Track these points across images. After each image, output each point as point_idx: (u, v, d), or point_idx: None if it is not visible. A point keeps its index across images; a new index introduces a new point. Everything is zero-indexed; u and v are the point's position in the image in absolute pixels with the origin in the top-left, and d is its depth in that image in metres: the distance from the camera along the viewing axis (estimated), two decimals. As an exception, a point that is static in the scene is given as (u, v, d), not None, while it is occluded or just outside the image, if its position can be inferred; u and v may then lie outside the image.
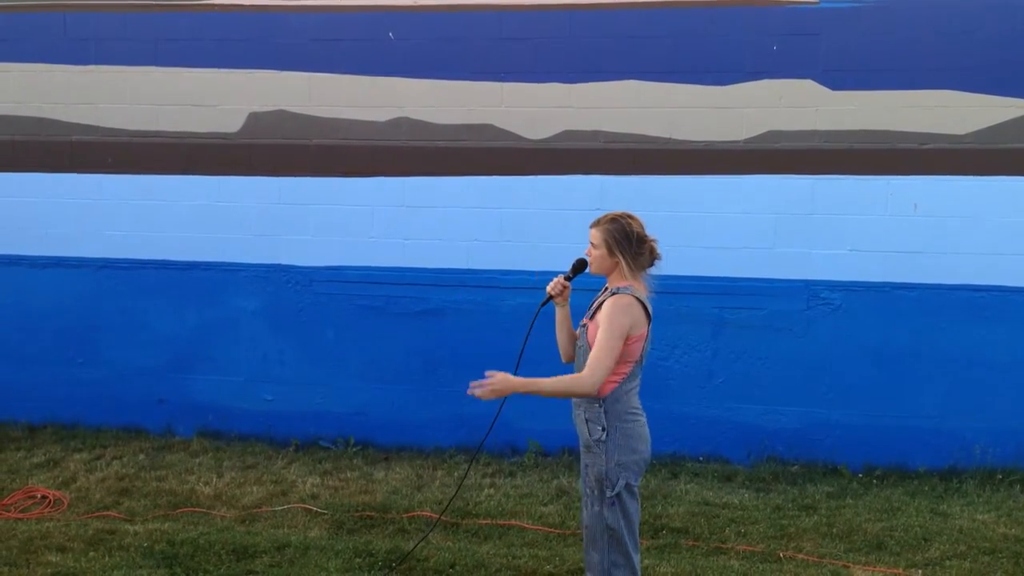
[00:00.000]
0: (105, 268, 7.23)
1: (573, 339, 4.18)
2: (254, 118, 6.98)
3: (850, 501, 6.00)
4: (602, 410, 3.96)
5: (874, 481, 6.34)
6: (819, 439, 6.57)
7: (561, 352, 4.23)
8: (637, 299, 3.96)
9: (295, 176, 6.97)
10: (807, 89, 6.40)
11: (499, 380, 3.88)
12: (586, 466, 4.02)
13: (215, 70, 6.99)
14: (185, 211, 7.11)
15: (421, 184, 6.83)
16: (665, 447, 6.66)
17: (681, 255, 6.52)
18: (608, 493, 3.96)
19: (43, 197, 7.23)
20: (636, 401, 4.04)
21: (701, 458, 6.67)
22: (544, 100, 6.65)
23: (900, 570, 5.05)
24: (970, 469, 6.37)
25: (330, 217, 6.95)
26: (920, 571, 5.04)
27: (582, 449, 4.07)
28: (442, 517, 5.54)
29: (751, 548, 5.29)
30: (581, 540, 4.47)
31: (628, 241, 3.99)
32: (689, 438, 6.67)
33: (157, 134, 7.10)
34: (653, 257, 4.06)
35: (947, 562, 5.12)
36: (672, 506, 5.88)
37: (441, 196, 6.81)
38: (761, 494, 6.13)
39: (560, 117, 6.65)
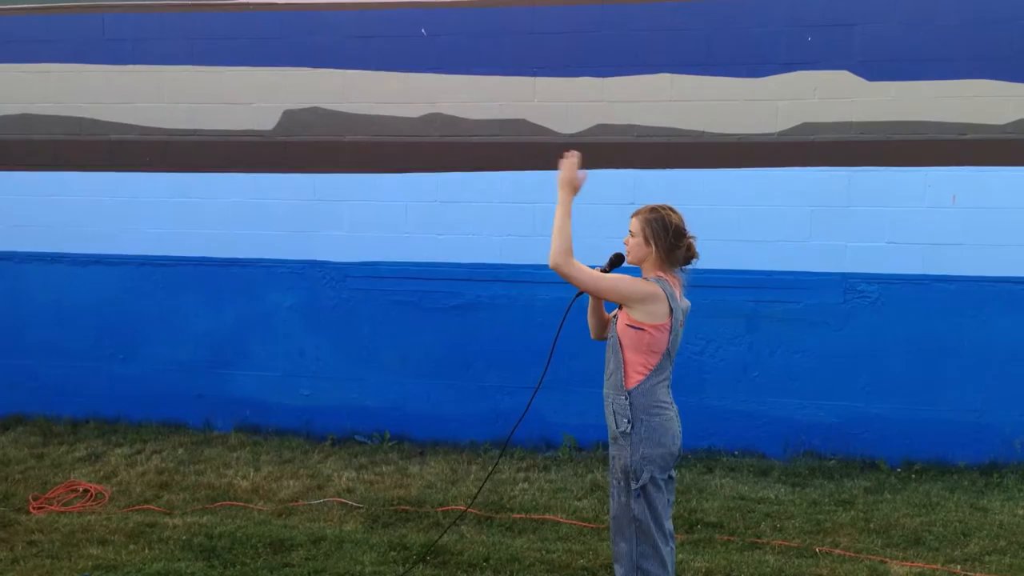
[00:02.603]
0: (144, 265, 7.33)
1: (604, 323, 4.19)
2: (289, 115, 7.04)
3: (888, 496, 5.94)
4: (628, 403, 3.97)
5: (913, 476, 6.27)
6: (856, 433, 6.51)
7: (592, 330, 4.23)
8: (664, 293, 3.95)
9: (330, 173, 7.02)
10: (843, 80, 6.34)
11: (574, 178, 4.09)
12: (613, 457, 4.05)
13: (250, 69, 7.06)
14: (222, 208, 7.19)
15: (454, 179, 6.85)
16: (700, 442, 6.64)
17: (716, 249, 6.43)
18: (633, 485, 3.97)
19: (83, 195, 7.35)
20: (664, 395, 4.03)
21: (736, 452, 6.63)
22: (577, 94, 6.64)
23: (938, 565, 5.00)
24: (1011, 464, 6.28)
25: (364, 213, 6.99)
26: (959, 566, 4.99)
27: (610, 440, 4.09)
28: (471, 510, 5.56)
29: (787, 543, 5.26)
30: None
31: (665, 232, 4.01)
32: (724, 432, 6.64)
33: (194, 132, 7.18)
34: (690, 255, 4.05)
35: (987, 557, 5.06)
36: (707, 500, 5.85)
37: (474, 191, 6.83)
38: (797, 489, 6.08)
39: (593, 111, 6.64)
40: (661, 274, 4.03)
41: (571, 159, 4.12)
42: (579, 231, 6.58)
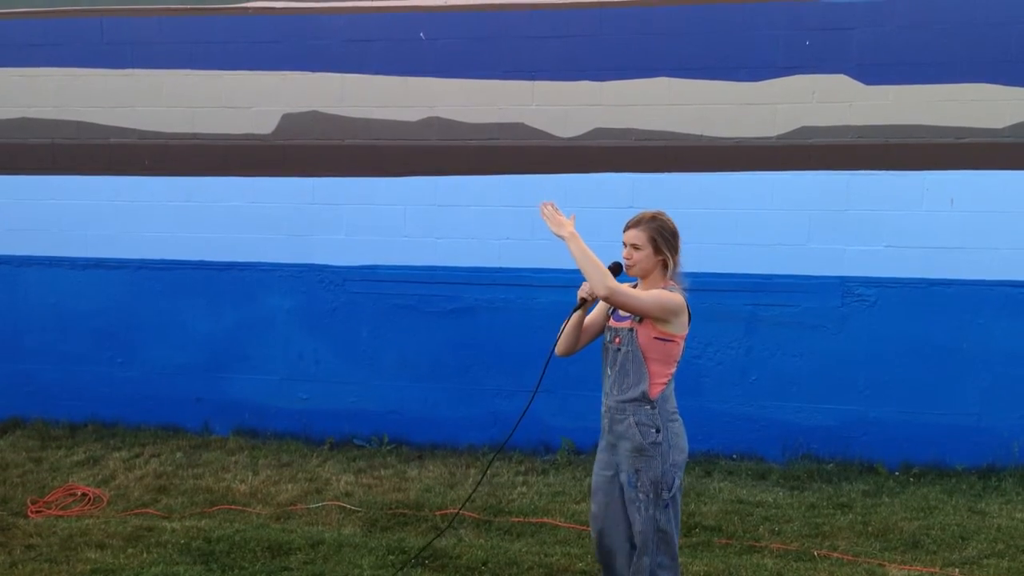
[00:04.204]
0: (143, 269, 7.33)
1: (579, 338, 4.14)
2: (288, 119, 7.05)
3: (886, 499, 5.94)
4: (655, 411, 3.96)
5: (911, 479, 6.27)
6: (855, 437, 6.51)
7: (561, 345, 4.14)
8: (685, 301, 3.99)
9: (328, 176, 7.02)
10: (840, 84, 6.35)
11: (562, 220, 3.93)
12: (637, 471, 3.96)
13: (249, 72, 7.07)
14: (221, 212, 7.19)
15: (453, 183, 6.85)
16: (699, 445, 6.63)
17: (714, 253, 6.51)
18: (665, 495, 3.96)
19: (82, 199, 7.34)
20: (675, 401, 4.07)
21: (735, 456, 6.64)
22: (575, 98, 6.65)
23: (936, 569, 5.00)
24: (1009, 467, 6.29)
25: (363, 217, 7.00)
26: (957, 570, 4.99)
27: (631, 454, 3.98)
28: (466, 513, 5.56)
29: (785, 546, 5.26)
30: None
31: (674, 239, 4.01)
32: (723, 436, 6.64)
33: (193, 136, 7.19)
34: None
35: (985, 561, 5.06)
36: (706, 504, 5.85)
37: (473, 195, 6.83)
38: (796, 492, 6.09)
39: (591, 115, 6.65)
40: (671, 282, 4.02)
41: (548, 209, 4.00)
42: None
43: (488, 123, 6.78)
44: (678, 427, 4.03)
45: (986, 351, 6.34)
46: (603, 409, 4.10)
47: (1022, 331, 6.29)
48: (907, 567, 5.02)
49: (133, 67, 7.20)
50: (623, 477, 4.02)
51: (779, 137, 6.46)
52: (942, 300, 6.37)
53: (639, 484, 3.96)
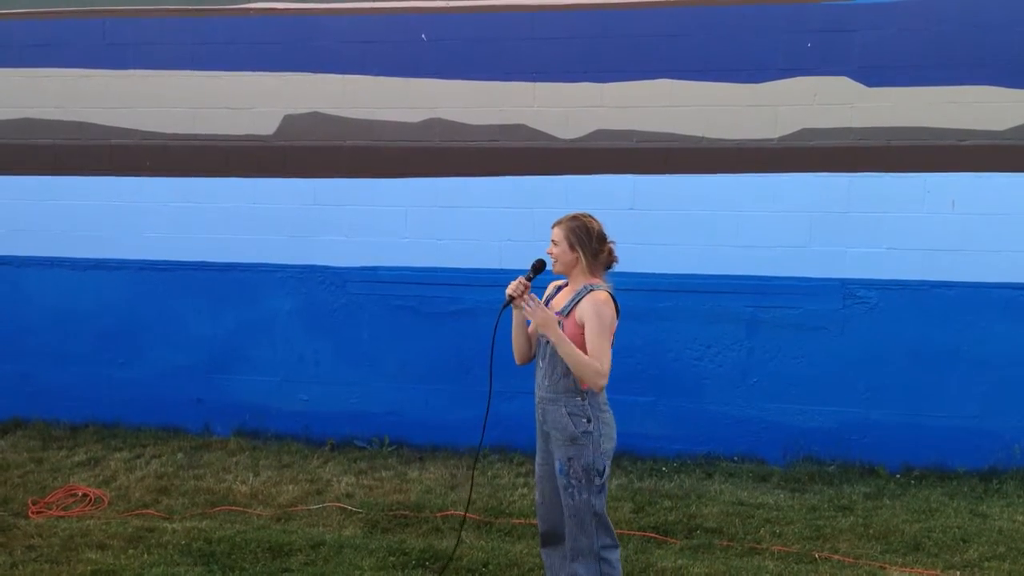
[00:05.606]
0: (144, 269, 7.34)
1: (529, 340, 4.34)
2: (289, 120, 7.05)
3: (887, 502, 5.94)
4: (586, 403, 4.14)
5: (912, 481, 6.27)
6: (856, 439, 6.51)
7: (516, 354, 4.38)
8: (612, 295, 4.15)
9: (329, 178, 7.02)
10: (842, 86, 6.35)
11: (544, 314, 4.06)
12: (570, 459, 4.13)
13: (251, 73, 7.07)
14: (222, 213, 7.19)
15: (454, 184, 6.85)
16: (700, 447, 6.64)
17: (715, 254, 6.51)
18: (598, 481, 4.14)
19: (83, 200, 7.34)
20: (607, 395, 4.22)
21: (736, 458, 6.63)
22: (576, 100, 6.65)
23: (938, 571, 5.00)
24: (1010, 470, 6.28)
25: (364, 218, 7.00)
26: (958, 572, 4.99)
27: (563, 443, 4.14)
28: (470, 515, 5.56)
29: (786, 549, 5.26)
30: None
31: (589, 238, 4.18)
32: (724, 438, 6.64)
33: (194, 137, 7.19)
34: (611, 259, 4.24)
35: (986, 563, 5.06)
36: (706, 506, 5.85)
37: (474, 196, 6.83)
38: (797, 494, 6.08)
39: (592, 117, 6.64)
40: (596, 280, 4.19)
41: (527, 304, 4.11)
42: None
43: (489, 125, 6.78)
44: (608, 418, 4.20)
45: (987, 353, 6.33)
46: (536, 400, 4.28)
47: (1023, 334, 6.29)
48: (908, 569, 5.01)
49: (135, 68, 7.20)
50: (556, 465, 4.20)
51: (780, 139, 6.45)
52: (943, 302, 6.36)
53: (571, 471, 4.14)
